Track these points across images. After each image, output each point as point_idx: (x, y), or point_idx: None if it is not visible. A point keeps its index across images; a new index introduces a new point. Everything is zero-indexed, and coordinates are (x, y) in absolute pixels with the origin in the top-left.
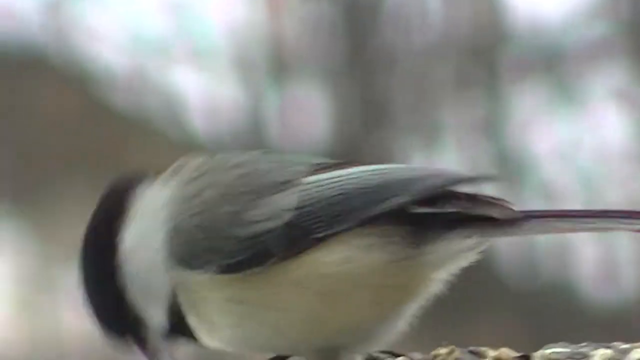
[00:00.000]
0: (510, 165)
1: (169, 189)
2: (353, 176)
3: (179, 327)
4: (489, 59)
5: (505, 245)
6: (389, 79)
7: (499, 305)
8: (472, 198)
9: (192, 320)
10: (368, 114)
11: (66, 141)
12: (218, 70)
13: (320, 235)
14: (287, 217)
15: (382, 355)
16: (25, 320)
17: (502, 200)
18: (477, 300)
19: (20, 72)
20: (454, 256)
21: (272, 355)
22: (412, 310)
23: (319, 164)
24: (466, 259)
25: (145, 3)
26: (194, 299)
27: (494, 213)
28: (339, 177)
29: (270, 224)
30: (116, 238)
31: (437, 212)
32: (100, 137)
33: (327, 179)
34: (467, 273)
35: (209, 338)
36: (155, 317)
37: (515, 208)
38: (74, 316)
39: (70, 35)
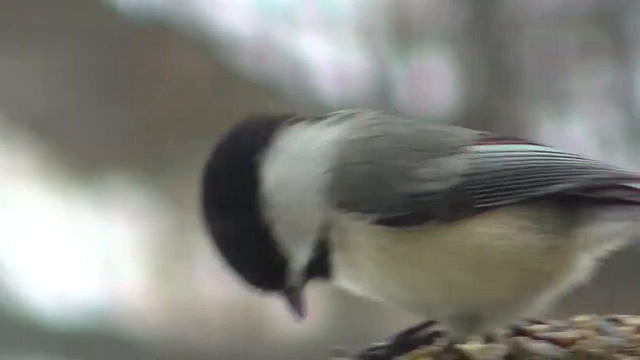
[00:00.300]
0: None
1: (334, 131)
2: (523, 154)
3: (318, 264)
4: (617, 24)
5: None
6: (515, 46)
7: (639, 273)
8: (630, 189)
9: (338, 261)
10: (495, 81)
11: (194, 107)
12: (345, 37)
13: (484, 205)
14: (456, 181)
15: (522, 322)
16: (162, 288)
17: None
18: (616, 268)
19: (146, 38)
20: (602, 240)
21: (410, 313)
22: (554, 294)
23: (485, 135)
24: (614, 244)
25: None
26: (346, 241)
27: None
28: (509, 152)
29: (437, 186)
30: (258, 170)
31: (594, 197)
32: (227, 103)
33: (497, 151)
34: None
35: (351, 281)
36: (299, 253)
37: None
38: (211, 284)
39: (195, 1)
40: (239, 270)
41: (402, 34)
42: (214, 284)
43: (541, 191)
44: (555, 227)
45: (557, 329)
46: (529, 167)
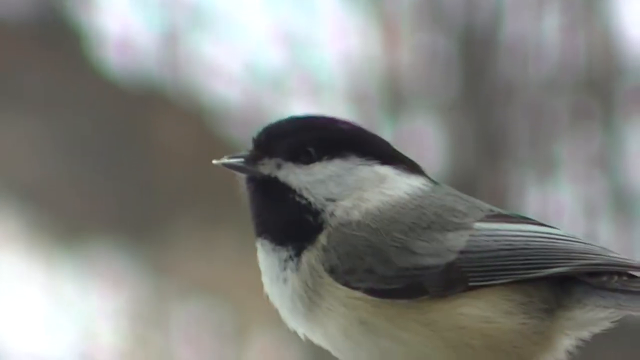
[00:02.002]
0: (626, 200)
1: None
2: (523, 234)
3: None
4: (605, 91)
5: None
6: (504, 112)
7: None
8: (624, 275)
9: (311, 319)
10: (483, 146)
11: (183, 174)
12: (334, 103)
13: (477, 283)
14: (452, 257)
15: None
16: (138, 355)
17: None
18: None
19: (138, 104)
20: (587, 324)
21: None
22: None
23: (493, 212)
24: (597, 328)
25: (260, 36)
26: (321, 302)
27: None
28: (509, 231)
29: (433, 261)
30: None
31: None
32: (216, 171)
33: (497, 229)
34: None
35: (324, 341)
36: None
37: None
38: (187, 352)
39: (186, 69)
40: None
41: (391, 98)
42: (191, 351)
43: (535, 273)
44: (540, 311)
45: None
46: (526, 249)
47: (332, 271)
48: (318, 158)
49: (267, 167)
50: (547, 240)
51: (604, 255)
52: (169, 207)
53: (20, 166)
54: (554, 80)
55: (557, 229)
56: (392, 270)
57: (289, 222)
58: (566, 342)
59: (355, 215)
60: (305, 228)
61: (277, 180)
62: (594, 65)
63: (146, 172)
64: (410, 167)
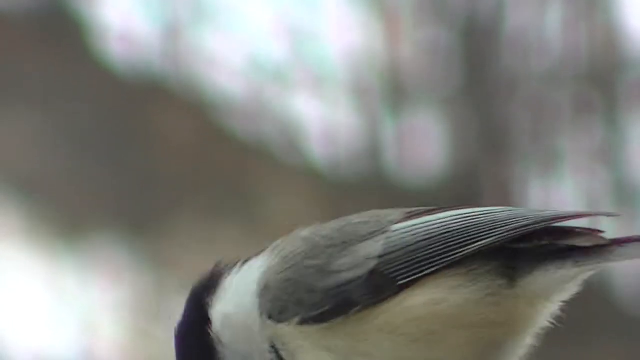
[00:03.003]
0: (628, 193)
1: (264, 258)
2: (438, 222)
3: None
4: (608, 84)
5: (620, 270)
6: (506, 105)
7: (614, 330)
8: (564, 231)
9: None
10: (485, 140)
11: (184, 167)
12: (335, 96)
13: (404, 281)
14: (372, 265)
15: None
16: (141, 349)
17: (594, 230)
18: (591, 325)
19: (139, 97)
20: (550, 288)
21: None
22: (519, 346)
23: (411, 211)
24: (565, 291)
25: (262, 29)
26: (291, 348)
27: (582, 242)
28: (424, 222)
29: (353, 273)
30: (208, 311)
31: (525, 247)
32: (218, 164)
33: (413, 225)
34: (582, 298)
35: None
36: None
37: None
38: None
39: (188, 62)
40: None
41: (393, 93)
42: None
43: (459, 253)
44: (494, 278)
45: None
46: (445, 232)
47: (270, 318)
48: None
49: None
50: (467, 218)
51: (530, 216)
52: (170, 200)
53: (21, 159)
54: (556, 74)
55: (486, 207)
56: (317, 296)
57: None
58: (539, 311)
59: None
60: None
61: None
62: (597, 59)
63: (148, 165)
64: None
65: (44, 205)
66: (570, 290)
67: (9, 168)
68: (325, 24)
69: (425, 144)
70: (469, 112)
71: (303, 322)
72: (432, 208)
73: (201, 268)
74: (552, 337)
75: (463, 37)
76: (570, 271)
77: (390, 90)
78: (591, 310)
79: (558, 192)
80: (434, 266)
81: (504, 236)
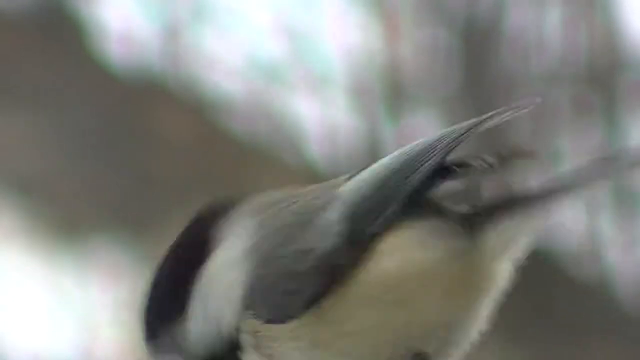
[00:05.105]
0: (628, 194)
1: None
2: (382, 165)
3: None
4: (607, 84)
5: (620, 270)
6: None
7: (614, 330)
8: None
9: None
10: (484, 140)
11: (183, 167)
12: (334, 96)
13: (375, 226)
14: (336, 228)
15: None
16: (139, 348)
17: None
18: (591, 325)
19: (138, 97)
20: (505, 242)
21: None
22: (485, 308)
23: (350, 173)
24: (525, 244)
25: (261, 29)
26: (263, 345)
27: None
28: (369, 171)
29: (324, 242)
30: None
31: (470, 164)
32: (217, 164)
33: (359, 179)
34: (582, 298)
35: None
36: (202, 339)
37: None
38: None
39: (188, 62)
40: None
41: (392, 93)
42: None
43: (417, 179)
44: (454, 233)
45: None
46: (392, 169)
47: (259, 318)
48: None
49: None
50: (405, 152)
51: (457, 128)
52: (169, 200)
53: (20, 159)
54: (555, 74)
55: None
56: (302, 279)
57: None
58: (504, 266)
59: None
60: None
61: None
62: (596, 59)
63: (147, 165)
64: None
65: (43, 205)
66: (524, 245)
67: (8, 168)
68: (324, 24)
69: None
70: (469, 112)
71: (300, 311)
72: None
73: None
74: (552, 337)
75: (462, 37)
76: (522, 221)
77: (390, 90)
78: (591, 310)
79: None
80: (397, 201)
81: (441, 153)
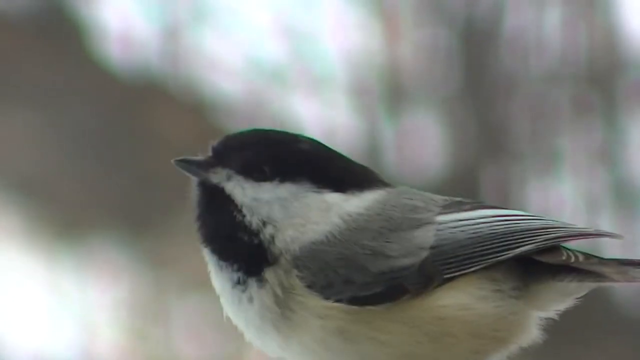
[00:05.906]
0: (628, 194)
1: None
2: (484, 221)
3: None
4: (607, 84)
5: None
6: (505, 106)
7: (614, 331)
8: (585, 256)
9: (273, 334)
10: (484, 140)
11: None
12: (334, 96)
13: (451, 275)
14: (424, 255)
15: None
16: (140, 349)
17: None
18: (591, 325)
19: (138, 98)
20: (553, 301)
21: None
22: (505, 353)
23: (447, 201)
24: (564, 303)
25: (261, 29)
26: (295, 317)
27: (607, 272)
28: (470, 219)
29: (407, 261)
30: None
31: (551, 262)
32: None
33: (459, 219)
34: (582, 298)
35: (300, 354)
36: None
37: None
38: (189, 345)
39: (187, 62)
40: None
41: (392, 94)
42: (192, 345)
43: (503, 255)
44: (512, 294)
45: None
46: (491, 234)
47: (310, 287)
48: (270, 177)
49: (217, 176)
50: (508, 222)
51: (562, 228)
52: (169, 200)
53: (20, 159)
54: (555, 74)
55: (514, 209)
56: (369, 277)
57: (226, 237)
58: (536, 321)
59: (298, 241)
60: (243, 246)
61: (223, 191)
62: (596, 59)
63: (146, 165)
64: (364, 181)
65: (43, 205)
66: (569, 303)
67: (8, 168)
68: (324, 25)
69: (424, 144)
70: (468, 112)
71: (351, 300)
72: (464, 201)
73: (200, 268)
74: (552, 337)
75: (462, 37)
76: (573, 286)
77: (389, 90)
78: (591, 310)
79: (557, 193)
80: (480, 264)
81: (540, 245)
